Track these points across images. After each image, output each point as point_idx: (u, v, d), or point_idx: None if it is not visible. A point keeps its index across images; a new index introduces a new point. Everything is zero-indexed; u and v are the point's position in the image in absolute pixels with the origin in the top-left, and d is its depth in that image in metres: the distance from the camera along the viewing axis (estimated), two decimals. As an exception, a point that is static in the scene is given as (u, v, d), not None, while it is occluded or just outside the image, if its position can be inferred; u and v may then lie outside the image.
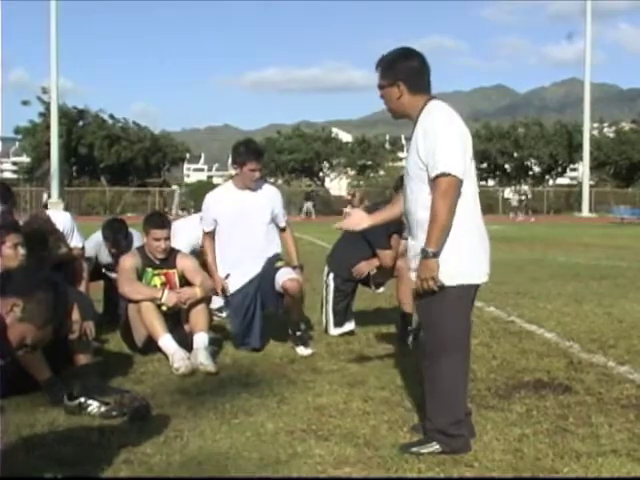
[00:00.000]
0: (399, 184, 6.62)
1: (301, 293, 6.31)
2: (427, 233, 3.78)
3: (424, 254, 3.78)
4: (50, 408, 4.59)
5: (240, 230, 6.38)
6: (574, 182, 75.27)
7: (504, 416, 4.49)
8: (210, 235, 6.50)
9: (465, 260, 3.86)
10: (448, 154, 3.72)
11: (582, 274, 12.44)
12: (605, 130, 76.93)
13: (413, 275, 3.94)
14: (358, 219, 4.47)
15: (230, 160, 6.63)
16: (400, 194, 6.50)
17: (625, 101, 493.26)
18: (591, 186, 59.87)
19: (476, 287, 4.00)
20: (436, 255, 3.76)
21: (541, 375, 5.46)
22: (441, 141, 3.73)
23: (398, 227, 6.40)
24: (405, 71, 3.89)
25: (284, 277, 6.23)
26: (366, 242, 6.75)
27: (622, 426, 4.32)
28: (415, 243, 3.95)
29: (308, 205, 51.61)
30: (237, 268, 6.43)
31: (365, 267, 6.82)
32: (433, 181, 3.76)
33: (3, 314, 2.89)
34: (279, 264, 6.37)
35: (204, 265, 6.56)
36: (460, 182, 3.76)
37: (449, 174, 3.71)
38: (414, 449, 3.90)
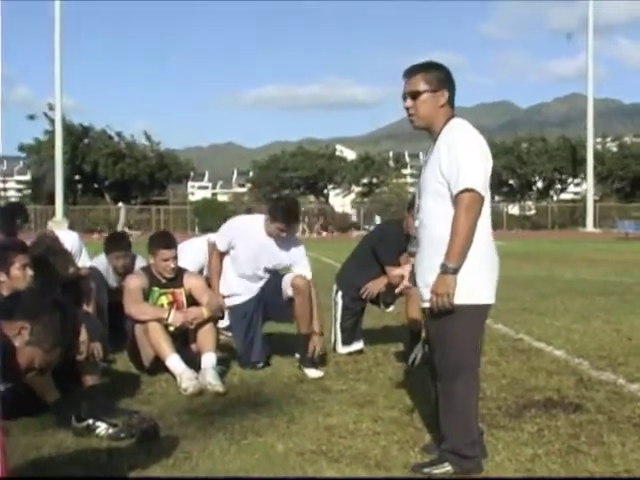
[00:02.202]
0: (412, 203, 6.63)
1: (310, 292, 6.27)
2: (448, 248, 3.73)
3: (443, 269, 3.74)
4: (58, 430, 4.56)
5: (252, 268, 6.42)
6: (578, 197, 75.21)
7: (515, 436, 4.45)
8: (219, 254, 6.48)
9: (482, 279, 3.83)
10: (472, 171, 3.71)
11: (589, 290, 12.39)
12: (608, 145, 77.04)
13: (425, 291, 3.88)
14: None
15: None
16: (410, 213, 6.52)
17: (627, 116, 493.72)
18: (595, 201, 59.85)
19: (489, 307, 3.97)
20: (456, 271, 3.73)
21: (551, 393, 5.42)
22: (465, 158, 3.71)
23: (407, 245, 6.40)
24: (447, 80, 3.88)
25: (292, 276, 6.27)
26: (375, 260, 6.74)
27: (635, 445, 4.28)
28: (424, 258, 3.91)
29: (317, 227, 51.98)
30: (237, 289, 6.43)
31: (374, 287, 6.80)
32: (456, 197, 3.73)
33: (11, 337, 2.86)
34: (284, 272, 6.41)
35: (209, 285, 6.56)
36: (482, 199, 3.74)
37: (473, 190, 3.70)
38: (426, 470, 3.87)
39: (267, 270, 6.41)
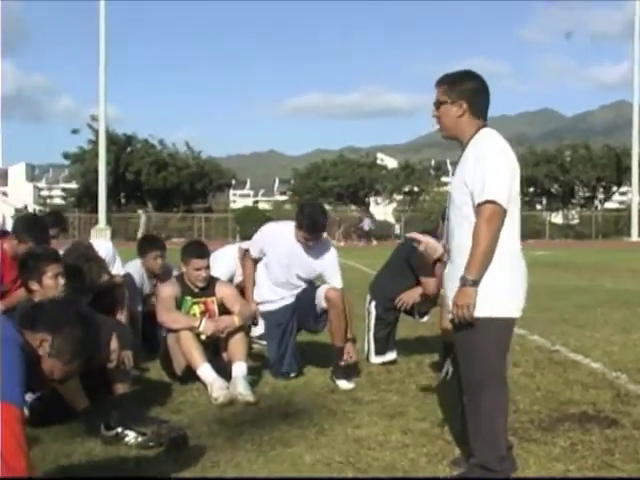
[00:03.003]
0: (443, 213, 6.57)
1: (344, 304, 6.23)
2: (468, 260, 3.70)
3: (463, 281, 3.71)
4: (87, 438, 4.58)
5: (285, 275, 6.40)
6: (622, 206, 74.19)
7: (547, 450, 4.37)
8: (252, 261, 6.49)
9: (507, 292, 3.78)
10: (496, 182, 3.66)
11: (631, 301, 12.17)
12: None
13: (449, 302, 3.85)
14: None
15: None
16: (444, 223, 6.46)
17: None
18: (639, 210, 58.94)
19: (514, 320, 3.90)
20: (475, 283, 3.68)
21: (586, 407, 5.31)
22: (490, 169, 3.67)
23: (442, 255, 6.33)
24: (470, 91, 3.85)
25: (326, 288, 6.24)
26: (410, 269, 6.68)
27: (671, 462, 4.17)
28: (453, 269, 3.88)
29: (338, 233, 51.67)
30: (271, 296, 6.43)
31: (409, 298, 6.74)
32: (478, 207, 3.69)
33: (35, 347, 2.87)
34: (318, 283, 6.37)
35: (242, 293, 6.56)
36: (504, 212, 3.69)
37: (494, 202, 3.65)
38: (454, 484, 3.81)
39: (300, 278, 6.38)
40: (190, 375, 5.90)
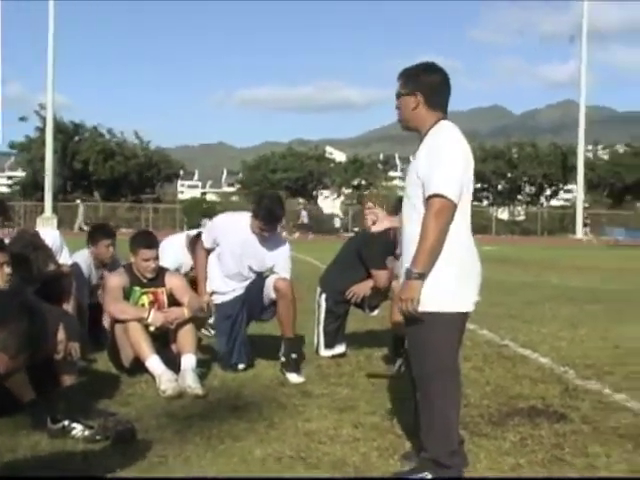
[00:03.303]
0: (398, 206, 6.55)
1: (293, 294, 6.18)
2: (414, 253, 3.68)
3: (408, 274, 3.68)
4: (33, 431, 4.44)
5: (237, 266, 6.32)
6: (567, 204, 75.38)
7: (498, 445, 4.37)
8: (205, 251, 6.40)
9: (455, 287, 3.74)
10: (446, 176, 3.63)
11: (577, 297, 12.35)
12: (600, 152, 77.29)
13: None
14: None
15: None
16: (398, 216, 6.45)
17: (620, 123, 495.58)
18: (585, 208, 59.93)
19: (464, 315, 3.88)
20: (421, 277, 3.65)
21: (535, 402, 5.35)
22: (441, 162, 3.65)
23: (393, 248, 6.34)
24: (425, 83, 3.82)
25: (275, 278, 6.17)
26: (361, 262, 6.66)
27: (620, 457, 4.21)
28: (402, 260, 3.86)
29: (205, 221, 51.27)
30: (223, 287, 6.35)
31: (360, 290, 6.73)
32: (427, 200, 3.66)
33: None
34: (267, 274, 6.32)
35: (192, 283, 6.48)
36: (454, 206, 3.66)
37: (444, 196, 3.62)
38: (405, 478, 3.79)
39: (252, 270, 6.31)
40: (138, 367, 5.81)
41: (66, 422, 4.39)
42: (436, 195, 3.62)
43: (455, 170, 3.67)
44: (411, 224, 3.79)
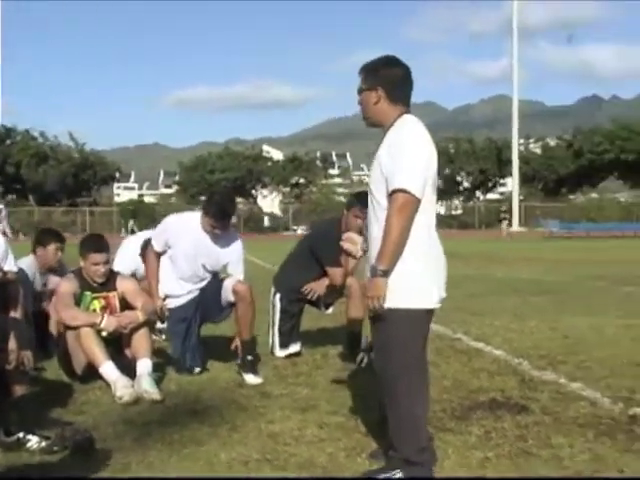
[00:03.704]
0: (352, 201, 6.51)
1: (252, 297, 6.07)
2: (379, 250, 3.63)
3: (373, 272, 3.63)
4: (-15, 444, 4.29)
5: (191, 267, 6.20)
6: (503, 197, 76.56)
7: (463, 439, 4.36)
8: (156, 254, 6.25)
9: (418, 283, 3.69)
10: (408, 171, 3.58)
11: (521, 289, 12.50)
12: (531, 146, 78.63)
13: None
14: None
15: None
16: (350, 212, 6.41)
17: (550, 117, 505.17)
18: (520, 201, 60.97)
19: (430, 311, 3.85)
20: (386, 274, 3.60)
21: (495, 394, 5.36)
22: (404, 157, 3.59)
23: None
24: (386, 78, 3.76)
25: (233, 282, 6.08)
26: (315, 260, 6.61)
27: (583, 446, 4.23)
28: (368, 256, 3.82)
29: (132, 223, 50.71)
30: (177, 290, 6.23)
31: (317, 287, 6.66)
32: (390, 196, 3.62)
33: None
34: (223, 276, 6.23)
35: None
36: (417, 201, 3.61)
37: (406, 191, 3.57)
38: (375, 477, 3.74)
39: (206, 269, 6.20)
40: (91, 374, 5.67)
41: (20, 434, 4.23)
42: (399, 190, 3.57)
43: (418, 164, 3.62)
44: (376, 221, 3.74)
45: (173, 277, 6.21)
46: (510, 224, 54.76)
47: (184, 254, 6.13)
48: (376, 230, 3.74)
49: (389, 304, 3.63)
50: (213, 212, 5.98)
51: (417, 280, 3.68)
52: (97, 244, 5.95)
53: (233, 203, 6.18)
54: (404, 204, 3.58)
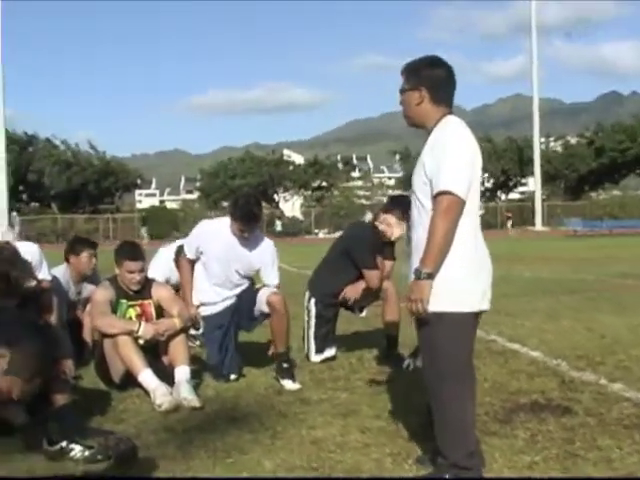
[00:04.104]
0: (389, 204, 6.48)
1: (286, 309, 6.02)
2: (423, 252, 3.58)
3: (417, 274, 3.58)
4: (28, 454, 4.26)
5: (225, 273, 6.16)
6: (524, 196, 76.11)
7: (509, 443, 4.31)
8: (189, 262, 6.23)
9: (463, 286, 3.64)
10: (453, 172, 3.53)
11: (551, 289, 12.40)
12: (552, 144, 78.11)
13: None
14: None
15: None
16: (388, 214, 6.37)
17: (569, 115, 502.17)
18: (542, 200, 60.62)
19: (477, 315, 3.80)
20: (430, 276, 3.55)
21: (537, 396, 5.30)
22: (448, 158, 3.55)
23: (382, 248, 6.28)
24: (430, 78, 3.72)
25: (267, 293, 6.03)
26: (351, 263, 6.55)
27: (631, 448, 4.17)
28: (412, 260, 3.76)
29: (144, 230, 50.59)
30: (212, 297, 6.20)
31: (353, 291, 6.62)
32: (435, 198, 3.57)
33: None
34: (258, 286, 6.20)
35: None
36: (462, 203, 3.57)
37: (452, 193, 3.53)
38: (425, 483, 3.70)
39: (239, 274, 6.17)
40: (128, 382, 5.65)
41: (64, 443, 4.22)
42: (444, 192, 3.53)
43: (462, 166, 3.58)
44: (420, 224, 3.69)
45: (207, 284, 6.18)
46: (513, 224, 54.56)
47: (216, 260, 6.10)
48: (420, 233, 3.69)
49: (435, 308, 3.58)
50: (240, 215, 5.94)
51: (462, 283, 3.63)
52: (132, 252, 5.94)
53: (259, 205, 6.13)
54: (449, 206, 3.54)
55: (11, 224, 44.97)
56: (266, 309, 6.00)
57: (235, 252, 6.10)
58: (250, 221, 5.99)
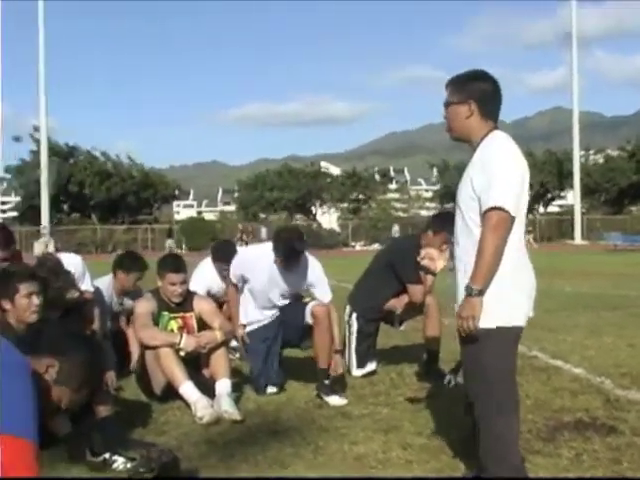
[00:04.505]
0: (434, 222, 6.44)
1: (330, 322, 6.00)
2: (473, 269, 3.55)
3: (468, 291, 3.56)
4: (72, 465, 4.30)
5: (269, 299, 6.17)
6: (563, 210, 75.41)
7: (554, 462, 4.25)
8: (235, 285, 6.29)
9: (510, 301, 3.62)
10: (503, 188, 3.51)
11: (593, 304, 12.24)
12: (592, 157, 77.32)
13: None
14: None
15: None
16: (432, 233, 6.34)
17: (609, 128, 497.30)
18: (582, 213, 60.01)
19: (520, 329, 3.77)
20: (481, 293, 3.53)
21: (581, 415, 5.22)
22: (498, 174, 3.52)
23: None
24: (478, 91, 3.70)
25: (313, 304, 6.03)
26: (394, 277, 6.52)
27: (680, 470, 4.09)
28: (457, 276, 3.74)
29: (169, 242, 50.36)
30: (258, 317, 6.21)
31: (397, 305, 6.60)
32: (484, 214, 3.55)
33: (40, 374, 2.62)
34: (307, 299, 6.19)
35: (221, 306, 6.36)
36: (512, 219, 3.55)
37: (502, 209, 3.50)
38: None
39: (284, 297, 6.17)
40: (169, 394, 5.67)
41: (107, 455, 4.25)
42: (493, 208, 3.51)
43: (512, 182, 3.56)
44: (466, 240, 3.67)
45: (252, 306, 6.19)
46: (535, 237, 54.12)
47: (260, 288, 6.11)
48: (464, 248, 3.67)
49: (483, 324, 3.56)
50: (283, 253, 5.88)
51: (510, 298, 3.62)
52: (174, 264, 5.97)
53: (301, 241, 6.04)
54: (499, 222, 3.52)
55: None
56: (310, 320, 5.99)
57: (279, 280, 6.07)
58: (293, 258, 5.95)
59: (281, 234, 6.07)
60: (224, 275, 7.08)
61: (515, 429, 3.74)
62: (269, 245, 6.08)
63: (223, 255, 7.32)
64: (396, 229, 54.79)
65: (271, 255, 6.00)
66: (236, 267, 6.28)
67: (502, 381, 3.68)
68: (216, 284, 7.13)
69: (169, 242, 50.13)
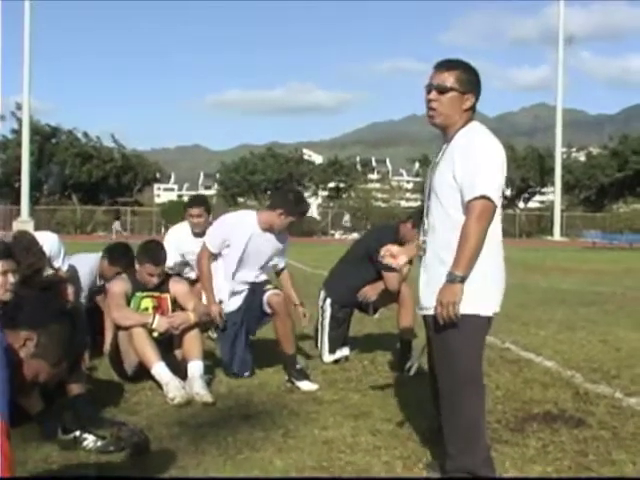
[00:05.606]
0: (415, 215, 6.45)
1: (288, 310, 6.07)
2: (456, 256, 3.57)
3: (450, 277, 3.57)
4: (43, 443, 4.29)
5: (243, 265, 6.15)
6: (543, 206, 75.80)
7: (521, 452, 4.29)
8: (209, 258, 6.20)
9: (489, 289, 3.68)
10: (488, 178, 3.54)
11: (568, 300, 12.34)
12: (574, 155, 77.71)
13: (429, 299, 3.71)
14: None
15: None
16: (408, 224, 6.35)
17: (592, 126, 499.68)
18: (562, 210, 60.32)
19: (491, 319, 3.80)
20: (463, 280, 3.56)
21: (550, 407, 5.27)
22: (483, 164, 3.55)
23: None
24: (479, 85, 3.74)
25: (268, 295, 6.08)
26: (371, 265, 6.53)
27: (645, 464, 4.14)
28: (429, 264, 3.76)
29: (116, 225, 49.69)
30: (232, 287, 6.19)
31: (372, 292, 6.62)
32: (468, 203, 3.57)
33: (16, 349, 2.61)
34: (268, 287, 6.20)
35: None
36: (495, 208, 3.58)
37: (487, 198, 3.53)
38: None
39: (257, 268, 6.19)
40: (141, 374, 5.67)
41: (77, 433, 4.24)
42: (479, 197, 3.53)
43: (495, 171, 3.59)
44: (444, 231, 3.68)
45: (224, 280, 6.17)
46: (529, 233, 54.40)
47: (238, 254, 6.08)
48: (443, 239, 3.68)
49: (462, 310, 3.59)
50: (300, 211, 6.15)
51: (486, 287, 3.66)
52: (155, 256, 5.91)
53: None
54: (483, 211, 3.55)
55: None
56: (268, 310, 6.04)
57: (259, 243, 6.12)
58: (306, 212, 6.39)
59: (289, 194, 6.33)
60: (195, 225, 7.23)
61: (483, 420, 3.78)
62: (249, 212, 6.31)
63: (194, 202, 7.44)
64: (346, 219, 55.26)
65: (252, 221, 6.11)
66: (217, 230, 6.24)
67: (472, 369, 3.71)
68: (187, 244, 7.14)
69: (115, 224, 49.04)
